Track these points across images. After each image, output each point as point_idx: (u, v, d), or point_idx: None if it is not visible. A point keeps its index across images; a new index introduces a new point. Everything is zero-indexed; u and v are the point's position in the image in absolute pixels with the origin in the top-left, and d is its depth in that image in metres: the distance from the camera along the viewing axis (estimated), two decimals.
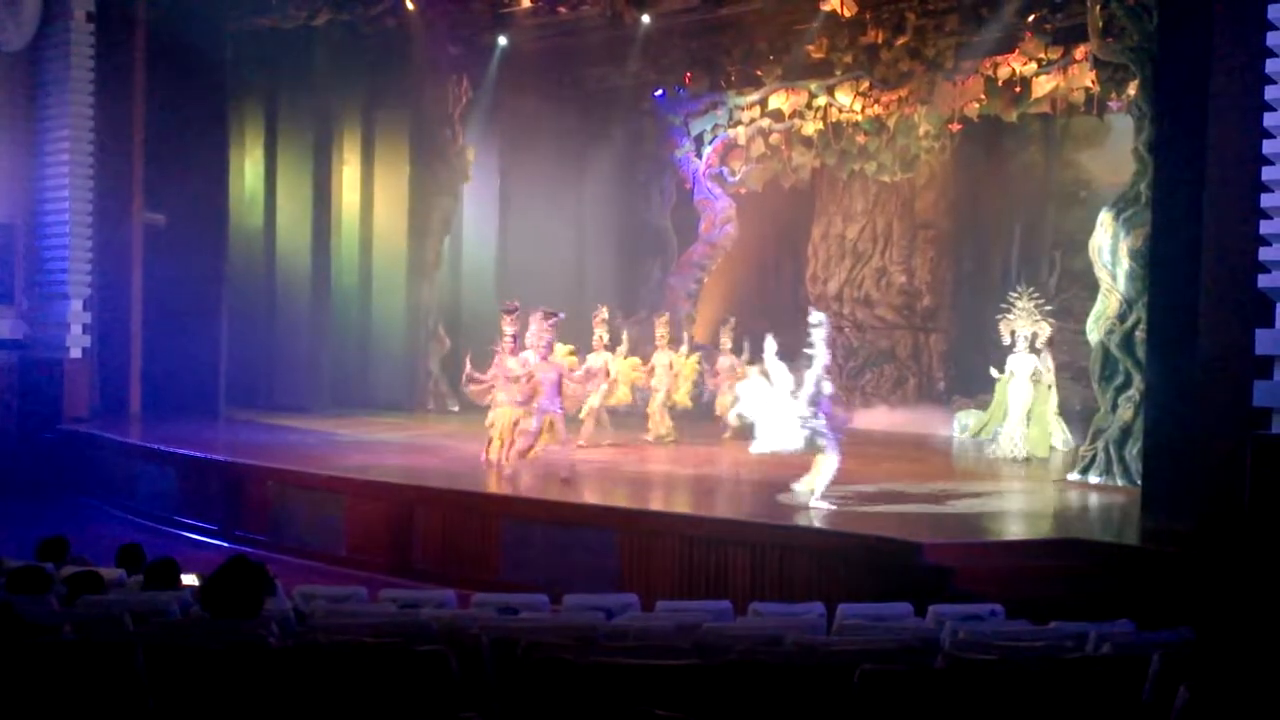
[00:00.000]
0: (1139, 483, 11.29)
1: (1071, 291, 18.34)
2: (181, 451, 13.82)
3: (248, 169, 19.22)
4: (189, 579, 6.63)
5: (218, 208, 17.92)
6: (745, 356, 15.02)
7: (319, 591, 6.80)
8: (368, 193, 19.73)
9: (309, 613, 5.81)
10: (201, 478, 13.34)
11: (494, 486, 12.01)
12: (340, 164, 19.44)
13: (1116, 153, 14.50)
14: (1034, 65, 16.16)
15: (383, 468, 13.00)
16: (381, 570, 11.12)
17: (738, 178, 20.15)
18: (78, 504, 14.46)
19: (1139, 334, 11.72)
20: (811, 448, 10.41)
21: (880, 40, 16.57)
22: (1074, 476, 12.46)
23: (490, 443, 12.57)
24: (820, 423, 10.25)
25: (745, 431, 11.57)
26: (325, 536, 12.00)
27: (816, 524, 9.93)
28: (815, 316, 10.59)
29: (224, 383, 17.67)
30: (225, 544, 12.31)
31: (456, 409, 19.37)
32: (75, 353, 16.56)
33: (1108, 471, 12.15)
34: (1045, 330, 14.42)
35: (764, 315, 15.71)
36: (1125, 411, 11.98)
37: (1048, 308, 14.95)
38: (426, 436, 16.11)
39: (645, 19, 16.31)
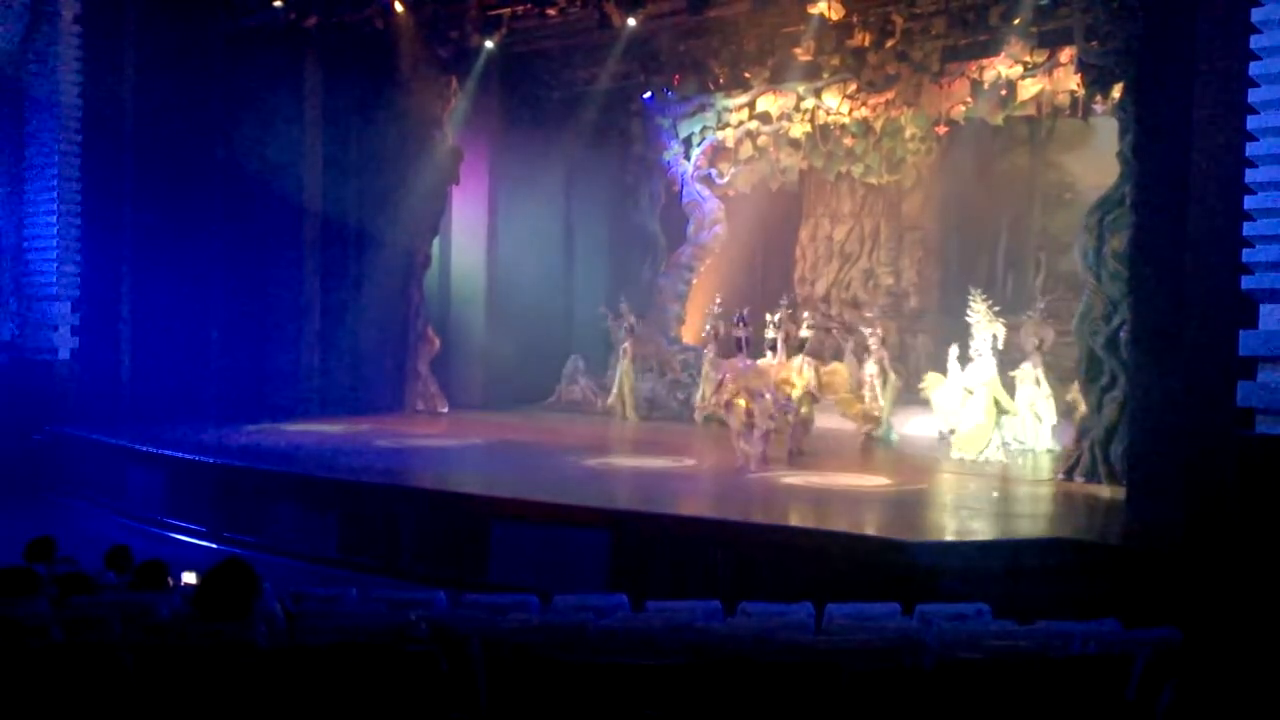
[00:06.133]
0: (1124, 483, 11.36)
1: (1057, 293, 18.43)
2: (171, 453, 13.81)
3: None
4: (188, 578, 6.64)
5: (207, 208, 17.88)
6: None
7: (309, 592, 6.80)
8: (357, 194, 19.71)
9: (299, 613, 5.81)
10: (191, 479, 13.33)
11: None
12: (330, 165, 19.40)
13: (1101, 155, 14.57)
14: (1019, 68, 16.23)
15: (372, 468, 13.00)
16: (371, 571, 11.12)
17: (726, 180, 20.19)
18: (66, 506, 14.44)
19: (1124, 335, 11.78)
20: None
21: (867, 43, 16.63)
22: (1059, 477, 12.53)
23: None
24: None
25: None
26: (315, 537, 12.01)
27: (806, 523, 9.98)
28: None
29: (214, 383, 17.66)
30: (215, 545, 12.31)
31: (445, 409, 19.39)
32: (64, 354, 16.53)
33: (1093, 472, 12.21)
34: (1001, 331, 14.33)
35: (752, 316, 15.74)
36: (1110, 412, 12.03)
37: (1040, 307, 15.08)
38: (416, 437, 16.12)
39: (632, 21, 16.33)
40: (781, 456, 13.58)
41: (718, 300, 18.08)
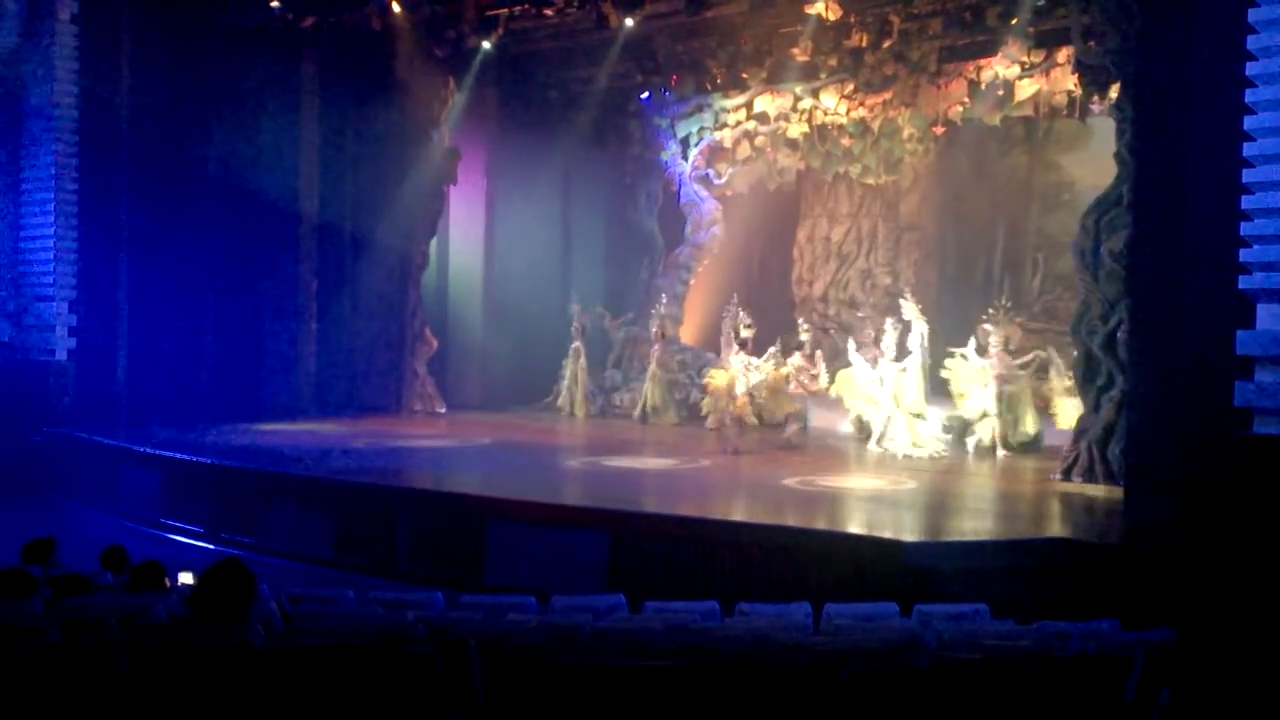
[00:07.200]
0: (1122, 483, 11.36)
1: (1055, 293, 18.46)
2: (167, 454, 13.79)
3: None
4: (185, 578, 6.63)
5: (204, 209, 17.87)
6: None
7: (306, 593, 6.80)
8: (354, 195, 19.71)
9: (296, 615, 5.81)
10: (187, 480, 13.31)
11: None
12: (327, 165, 19.40)
13: (1099, 155, 14.59)
14: (1017, 69, 16.23)
15: (370, 469, 12.99)
16: (368, 572, 11.11)
17: (723, 180, 20.19)
18: (63, 506, 14.42)
19: (1121, 335, 11.79)
20: None
21: (865, 44, 16.65)
22: (1057, 477, 12.53)
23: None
24: None
25: None
26: (312, 538, 11.99)
27: (804, 524, 9.99)
28: None
29: (210, 384, 17.65)
30: (211, 546, 12.29)
31: (443, 410, 19.38)
32: (61, 355, 16.52)
33: (1090, 472, 12.21)
34: (926, 329, 14.42)
35: (750, 317, 15.75)
36: (1108, 412, 12.03)
37: (1034, 309, 15.09)
38: (413, 438, 16.11)
39: (630, 22, 16.33)
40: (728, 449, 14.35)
41: (664, 299, 18.56)
